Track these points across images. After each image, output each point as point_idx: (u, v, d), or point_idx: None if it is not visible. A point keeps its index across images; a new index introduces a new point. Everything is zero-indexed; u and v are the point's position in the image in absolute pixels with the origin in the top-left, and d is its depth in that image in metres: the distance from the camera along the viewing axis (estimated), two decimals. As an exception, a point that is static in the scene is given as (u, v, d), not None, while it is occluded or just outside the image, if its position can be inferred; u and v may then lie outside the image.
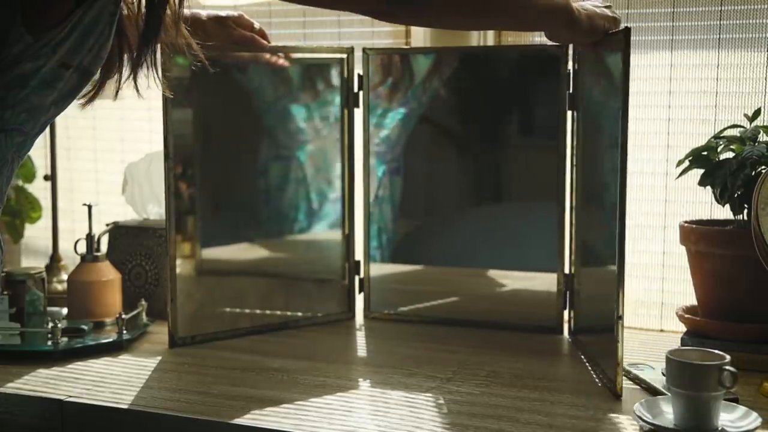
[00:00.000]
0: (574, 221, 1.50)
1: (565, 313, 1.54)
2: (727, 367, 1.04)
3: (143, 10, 1.01)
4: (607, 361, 1.25)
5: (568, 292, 1.53)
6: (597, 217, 1.43)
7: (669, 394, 1.10)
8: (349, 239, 1.64)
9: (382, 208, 1.65)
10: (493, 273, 1.64)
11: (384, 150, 1.63)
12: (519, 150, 1.63)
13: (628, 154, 1.18)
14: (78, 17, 0.93)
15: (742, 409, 1.09)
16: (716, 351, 1.09)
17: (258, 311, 1.59)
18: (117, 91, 1.07)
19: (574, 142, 1.49)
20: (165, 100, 1.40)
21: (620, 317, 1.18)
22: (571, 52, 1.48)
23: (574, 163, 1.49)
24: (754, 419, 1.06)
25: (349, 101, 1.61)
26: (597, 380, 1.28)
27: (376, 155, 1.63)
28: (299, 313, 1.60)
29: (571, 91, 1.49)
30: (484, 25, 1.44)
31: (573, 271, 1.52)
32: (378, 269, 1.66)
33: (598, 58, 1.35)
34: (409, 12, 1.17)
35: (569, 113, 1.49)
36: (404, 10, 1.16)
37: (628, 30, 1.18)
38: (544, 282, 1.55)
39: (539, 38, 1.66)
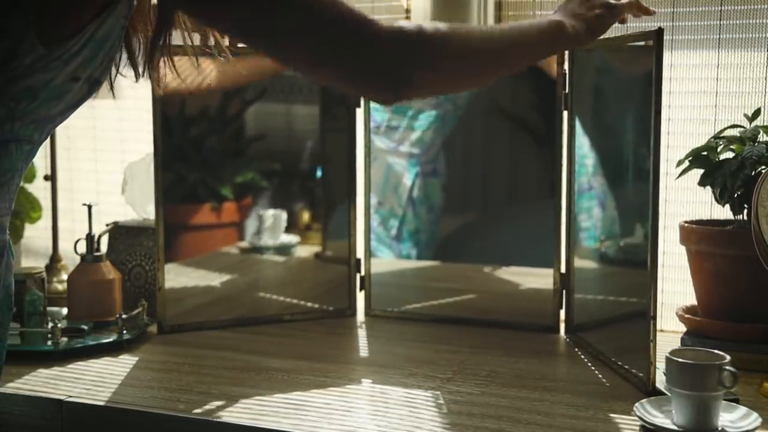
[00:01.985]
0: (572, 219, 1.50)
1: (561, 312, 1.54)
2: (727, 367, 1.04)
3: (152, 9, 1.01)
4: (627, 358, 1.26)
5: (564, 291, 1.53)
6: (608, 214, 1.44)
7: (669, 394, 1.10)
8: (350, 237, 1.65)
9: (417, 209, 1.65)
10: (493, 271, 1.64)
11: (417, 152, 1.63)
12: (514, 149, 1.63)
13: (660, 153, 1.19)
14: (91, 32, 0.92)
15: (742, 410, 1.09)
16: (716, 351, 1.09)
17: (261, 304, 1.61)
18: (112, 88, 1.08)
19: (570, 141, 1.49)
20: (154, 100, 1.42)
21: (653, 317, 1.19)
22: (566, 52, 1.48)
23: (569, 161, 1.50)
24: (754, 419, 1.06)
25: (350, 101, 1.62)
26: (619, 378, 1.28)
27: (408, 157, 1.63)
28: (302, 303, 1.64)
29: (566, 91, 1.49)
30: (492, 80, 1.38)
31: (569, 269, 1.52)
32: (379, 266, 1.66)
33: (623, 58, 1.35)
34: (417, 93, 1.11)
35: (564, 113, 1.50)
36: (411, 92, 1.08)
37: (660, 30, 1.18)
38: (541, 280, 1.55)
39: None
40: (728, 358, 1.06)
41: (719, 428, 1.05)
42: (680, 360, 1.06)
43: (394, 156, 1.64)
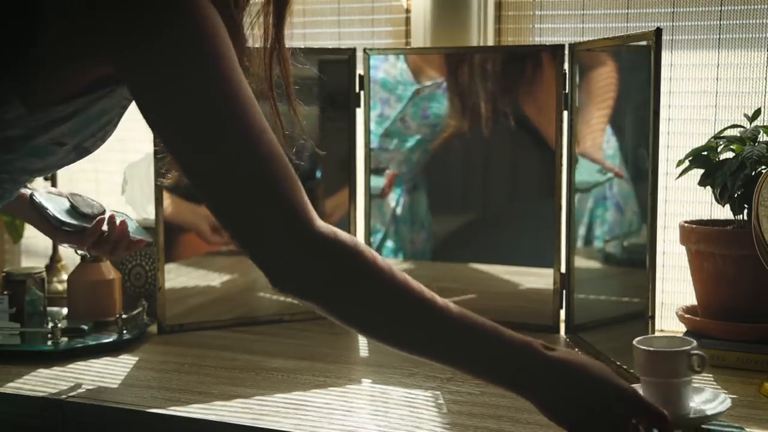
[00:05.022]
0: (572, 219, 1.50)
1: (561, 312, 1.54)
2: (696, 351, 1.04)
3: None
4: (627, 358, 1.25)
5: (564, 291, 1.53)
6: (608, 214, 1.44)
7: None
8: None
9: (399, 228, 1.66)
10: (492, 271, 1.64)
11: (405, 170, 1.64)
12: (515, 148, 1.63)
13: (659, 153, 1.18)
14: (84, 104, 0.88)
15: (710, 392, 1.09)
16: (684, 337, 1.09)
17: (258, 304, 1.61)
18: None
19: (570, 141, 1.49)
20: None
21: (651, 317, 1.19)
22: (567, 52, 1.49)
23: (569, 161, 1.50)
24: (722, 400, 1.06)
25: (350, 102, 1.62)
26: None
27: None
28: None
29: (566, 91, 1.49)
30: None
31: (569, 269, 1.52)
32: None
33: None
34: (306, 300, 0.87)
35: (565, 113, 1.50)
36: (301, 297, 0.87)
37: (659, 30, 1.17)
38: (541, 280, 1.55)
39: (539, 38, 1.67)
40: (695, 342, 1.06)
41: (690, 412, 1.05)
42: (648, 348, 1.06)
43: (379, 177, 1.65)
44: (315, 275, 0.85)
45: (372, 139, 1.63)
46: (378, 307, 0.89)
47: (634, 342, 1.06)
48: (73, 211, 1.20)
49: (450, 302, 0.92)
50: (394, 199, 1.65)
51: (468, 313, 0.91)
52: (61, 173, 1.96)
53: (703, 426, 1.05)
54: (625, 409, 0.89)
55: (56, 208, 1.19)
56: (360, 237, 1.66)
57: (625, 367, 1.27)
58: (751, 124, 1.39)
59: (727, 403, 1.05)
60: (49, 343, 1.40)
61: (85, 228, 1.19)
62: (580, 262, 1.51)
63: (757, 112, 1.39)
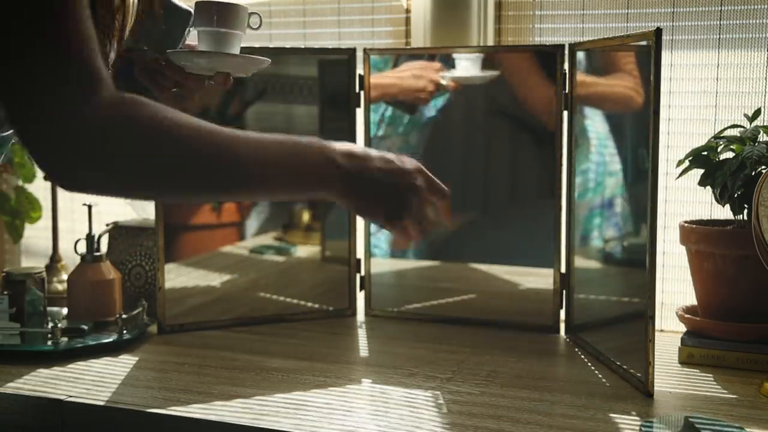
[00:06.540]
0: (572, 219, 1.50)
1: (561, 312, 1.54)
2: (253, 11, 1.12)
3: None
4: (627, 358, 1.26)
5: (564, 291, 1.53)
6: (607, 214, 1.43)
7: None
8: (350, 237, 1.65)
9: None
10: (492, 271, 1.64)
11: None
12: (515, 149, 1.63)
13: (659, 153, 1.18)
14: None
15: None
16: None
17: (260, 304, 1.61)
18: None
19: (570, 141, 1.49)
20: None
21: (651, 317, 1.19)
22: (567, 52, 1.49)
23: (570, 161, 1.50)
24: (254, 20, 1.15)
25: (350, 102, 1.62)
26: (619, 378, 1.28)
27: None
28: (302, 303, 1.65)
29: (566, 91, 1.49)
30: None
31: (569, 269, 1.52)
32: (379, 266, 1.66)
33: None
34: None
35: (565, 113, 1.50)
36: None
37: (659, 31, 1.17)
38: (541, 280, 1.55)
39: (539, 38, 1.67)
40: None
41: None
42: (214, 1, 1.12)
43: None
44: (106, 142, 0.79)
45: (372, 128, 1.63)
46: (189, 153, 0.85)
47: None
48: None
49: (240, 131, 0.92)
50: None
51: (256, 134, 0.92)
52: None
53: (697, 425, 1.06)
54: (420, 190, 1.04)
55: None
56: (360, 236, 1.66)
57: (625, 367, 1.28)
58: (751, 124, 1.39)
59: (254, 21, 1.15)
60: (49, 343, 1.40)
61: None
62: (580, 262, 1.51)
63: (757, 112, 1.40)
